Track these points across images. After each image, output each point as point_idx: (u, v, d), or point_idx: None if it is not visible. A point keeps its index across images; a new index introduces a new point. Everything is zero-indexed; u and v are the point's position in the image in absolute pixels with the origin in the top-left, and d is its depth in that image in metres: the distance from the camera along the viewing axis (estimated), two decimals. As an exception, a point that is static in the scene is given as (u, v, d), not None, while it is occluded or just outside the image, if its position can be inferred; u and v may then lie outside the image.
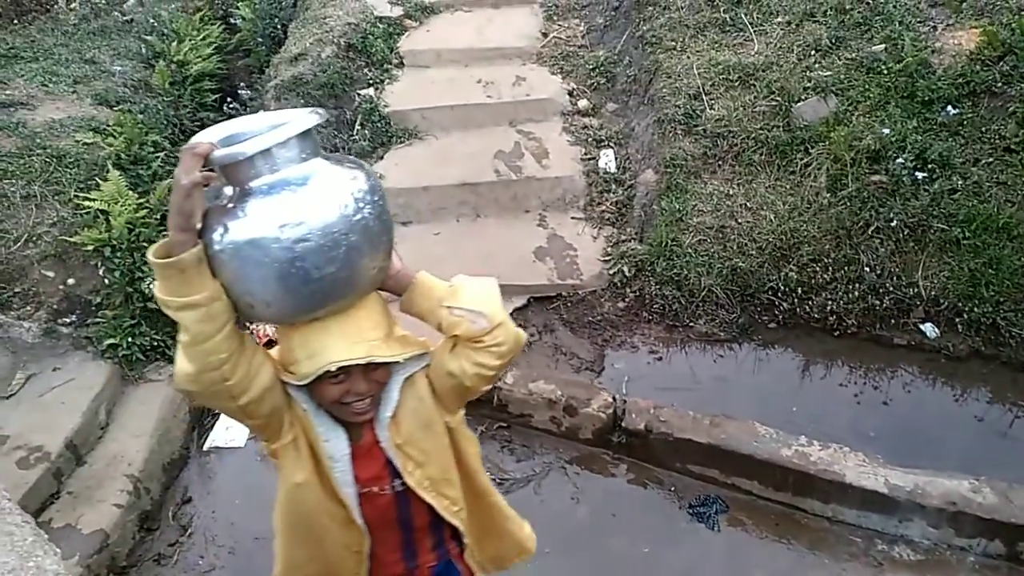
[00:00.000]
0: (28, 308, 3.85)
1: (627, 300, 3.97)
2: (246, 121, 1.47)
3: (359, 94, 4.99)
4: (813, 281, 3.81)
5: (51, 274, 3.92)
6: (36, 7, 8.63)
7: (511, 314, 3.95)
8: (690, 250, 3.91)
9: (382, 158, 4.76)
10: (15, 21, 7.94)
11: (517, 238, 4.35)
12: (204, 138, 1.38)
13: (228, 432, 3.77)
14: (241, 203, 1.33)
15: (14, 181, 4.11)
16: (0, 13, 8.92)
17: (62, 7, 7.75)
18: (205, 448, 3.73)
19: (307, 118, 1.37)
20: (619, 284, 4.00)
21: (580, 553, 3.10)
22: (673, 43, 4.82)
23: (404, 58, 5.34)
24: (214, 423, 3.87)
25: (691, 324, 3.85)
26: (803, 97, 4.29)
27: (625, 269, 4.00)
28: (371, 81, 5.11)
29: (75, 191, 4.13)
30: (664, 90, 4.54)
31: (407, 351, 1.59)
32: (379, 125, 4.87)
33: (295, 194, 1.33)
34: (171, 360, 3.95)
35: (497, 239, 4.38)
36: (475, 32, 5.52)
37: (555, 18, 5.70)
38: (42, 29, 6.08)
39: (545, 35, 5.52)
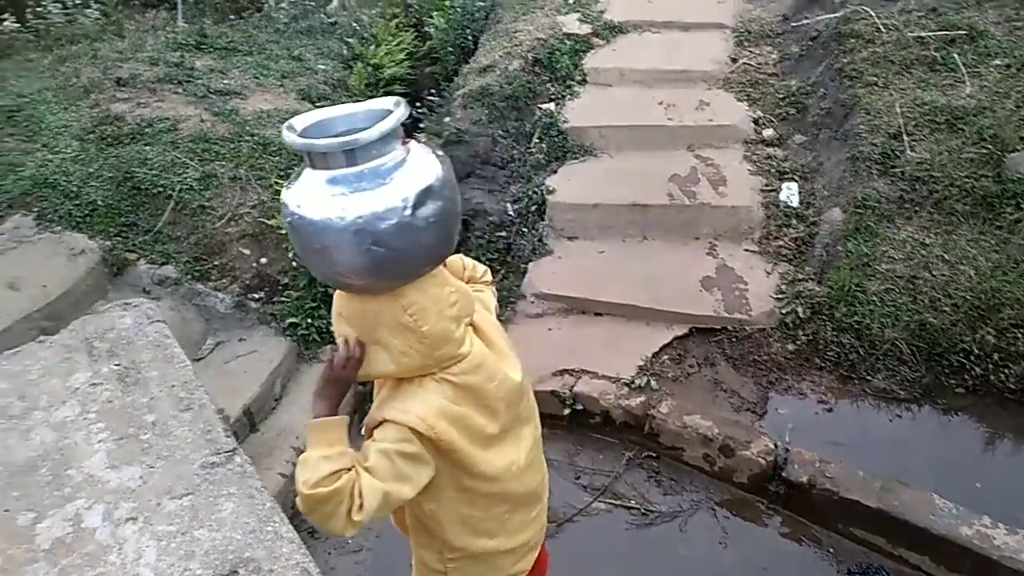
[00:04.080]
0: (224, 281, 4.20)
1: (798, 343, 3.77)
2: (331, 111, 1.57)
3: (540, 108, 5.08)
4: (1013, 348, 3.46)
5: (247, 252, 4.26)
6: (249, 5, 9.48)
7: (671, 342, 3.92)
8: (875, 298, 3.67)
9: (555, 172, 4.80)
10: (231, 16, 8.72)
11: (684, 265, 4.26)
12: (297, 125, 1.50)
13: (385, 421, 3.93)
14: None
15: (224, 163, 4.50)
16: (219, 9, 9.88)
17: (272, 6, 8.46)
18: (363, 434, 3.90)
19: (394, 112, 1.47)
20: (791, 325, 3.81)
21: (724, 600, 2.98)
22: (875, 78, 4.56)
23: (587, 75, 5.37)
24: (373, 409, 4.05)
25: (868, 377, 3.60)
26: (1019, 148, 3.93)
27: (799, 310, 3.81)
28: (553, 96, 5.18)
29: (275, 177, 4.47)
30: (861, 126, 4.30)
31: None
32: (556, 140, 4.93)
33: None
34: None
35: (663, 264, 4.30)
36: (662, 53, 5.47)
37: (746, 44, 5.55)
38: (257, 26, 6.64)
39: (734, 60, 5.38)
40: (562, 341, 4.06)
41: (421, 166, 1.49)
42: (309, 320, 4.10)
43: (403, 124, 1.49)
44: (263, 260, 4.29)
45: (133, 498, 1.06)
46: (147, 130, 4.59)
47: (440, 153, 1.58)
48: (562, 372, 3.84)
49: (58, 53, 5.55)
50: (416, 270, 1.55)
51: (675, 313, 4.00)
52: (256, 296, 4.20)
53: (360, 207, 1.42)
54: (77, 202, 4.18)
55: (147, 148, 4.45)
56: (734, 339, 3.87)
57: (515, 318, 4.23)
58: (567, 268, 4.40)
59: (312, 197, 1.45)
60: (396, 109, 1.47)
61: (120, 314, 1.45)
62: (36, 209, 4.15)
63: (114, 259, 4.06)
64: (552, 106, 5.11)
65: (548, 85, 5.25)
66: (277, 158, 4.63)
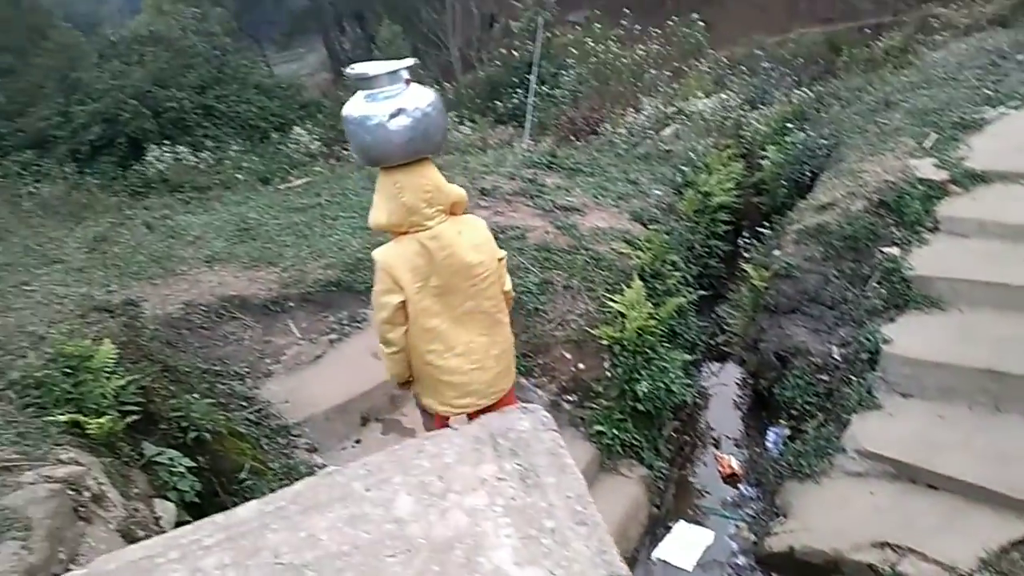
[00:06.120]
0: (544, 379, 4.49)
1: None
2: (378, 66, 2.56)
3: (882, 251, 4.81)
4: None
5: (568, 356, 4.53)
6: (586, 129, 10.38)
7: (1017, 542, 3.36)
8: None
9: (893, 320, 4.47)
10: (572, 137, 9.56)
11: (1049, 449, 3.67)
12: (358, 68, 2.53)
13: (679, 550, 3.84)
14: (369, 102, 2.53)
15: (560, 273, 4.89)
16: (559, 128, 10.91)
17: (608, 131, 9.15)
18: (653, 557, 3.85)
19: (402, 63, 2.54)
20: None
21: None
22: None
23: (940, 223, 4.98)
24: (664, 535, 3.99)
25: None
26: None
27: None
28: (897, 240, 4.88)
29: (603, 291, 4.74)
30: None
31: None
32: (897, 287, 4.61)
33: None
34: (642, 460, 4.22)
35: (1021, 443, 3.74)
36: (1035, 207, 4.91)
37: None
38: (599, 149, 7.21)
39: None
40: (885, 509, 3.69)
41: (408, 98, 2.50)
42: (615, 431, 4.20)
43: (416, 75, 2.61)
44: (581, 366, 4.53)
45: (537, 600, 1.16)
46: (500, 236, 5.16)
47: (432, 95, 2.57)
48: (883, 545, 3.48)
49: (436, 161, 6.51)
50: (391, 157, 2.53)
51: (1034, 506, 3.43)
52: (569, 399, 4.42)
53: (362, 110, 2.50)
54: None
55: (498, 251, 4.99)
56: (1116, 554, 3.21)
57: (830, 471, 3.95)
58: (898, 428, 4.02)
59: (352, 103, 2.55)
60: (401, 66, 2.53)
61: (519, 416, 1.63)
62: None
63: (456, 344, 4.56)
64: (896, 251, 4.81)
65: (893, 229, 4.96)
66: (607, 273, 4.92)
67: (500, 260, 2.89)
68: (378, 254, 2.69)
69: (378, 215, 2.65)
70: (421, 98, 2.53)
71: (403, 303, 2.69)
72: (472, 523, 1.38)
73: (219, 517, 1.54)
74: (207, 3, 18.86)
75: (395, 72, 2.51)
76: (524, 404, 1.78)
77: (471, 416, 2.93)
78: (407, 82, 2.54)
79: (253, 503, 1.57)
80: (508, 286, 3.01)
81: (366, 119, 2.49)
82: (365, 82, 2.53)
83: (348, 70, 2.58)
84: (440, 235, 2.64)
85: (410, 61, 2.59)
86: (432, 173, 2.64)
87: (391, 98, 2.48)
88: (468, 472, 1.51)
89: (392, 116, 2.47)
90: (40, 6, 16.43)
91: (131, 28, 16.64)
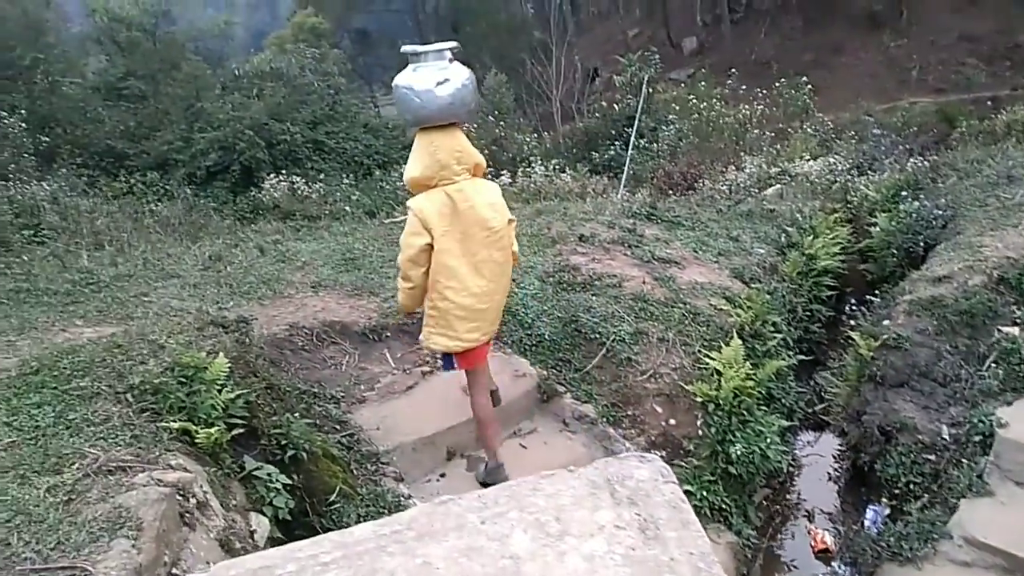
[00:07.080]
0: (632, 431, 4.41)
1: None
2: (428, 46, 3.18)
3: (1000, 330, 4.56)
4: None
5: (659, 409, 4.45)
6: (683, 184, 10.35)
7: None
8: None
9: (1010, 403, 4.21)
10: (667, 192, 9.52)
11: None
12: (411, 47, 3.14)
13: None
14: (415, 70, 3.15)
15: (655, 324, 4.83)
16: (653, 180, 10.92)
17: (706, 187, 9.08)
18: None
19: (448, 45, 3.17)
20: None
21: None
22: None
23: (1066, 311, 4.70)
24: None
25: None
26: None
27: None
28: (1018, 320, 4.62)
29: (699, 347, 4.65)
30: None
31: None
32: (1016, 368, 4.35)
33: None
34: (731, 526, 4.07)
35: None
36: None
37: None
38: (700, 204, 7.15)
39: None
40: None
41: (451, 72, 3.07)
42: (704, 492, 4.07)
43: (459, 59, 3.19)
44: (671, 421, 4.43)
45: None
46: (596, 283, 5.16)
47: (469, 72, 3.17)
48: (995, 645, 3.22)
49: (535, 207, 6.61)
50: (435, 118, 3.10)
51: None
52: (659, 454, 4.31)
53: (413, 79, 3.08)
54: (529, 332, 4.81)
55: (593, 298, 4.98)
56: None
57: (934, 558, 3.71)
58: (1012, 519, 3.75)
59: (403, 74, 3.10)
60: (446, 46, 3.13)
61: (637, 464, 1.60)
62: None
63: (546, 387, 4.54)
64: (1016, 331, 4.55)
65: (1013, 307, 4.70)
66: (704, 329, 4.83)
67: (510, 222, 3.40)
68: (412, 202, 3.19)
69: (413, 169, 3.20)
70: (462, 73, 3.13)
71: (428, 246, 3.19)
72: (590, 569, 1.35)
73: (335, 535, 1.57)
74: (326, 44, 19.90)
75: (441, 50, 3.10)
76: (642, 455, 1.75)
77: (469, 353, 3.50)
78: (450, 60, 3.11)
79: (368, 524, 1.59)
80: (515, 248, 3.54)
81: (417, 84, 3.06)
82: (416, 56, 3.10)
83: (403, 47, 3.16)
84: (464, 189, 3.20)
85: (453, 43, 3.18)
86: (462, 137, 3.22)
87: (439, 70, 3.05)
88: (586, 516, 1.48)
89: (439, 84, 3.04)
90: (175, 40, 17.70)
91: (254, 64, 17.69)
